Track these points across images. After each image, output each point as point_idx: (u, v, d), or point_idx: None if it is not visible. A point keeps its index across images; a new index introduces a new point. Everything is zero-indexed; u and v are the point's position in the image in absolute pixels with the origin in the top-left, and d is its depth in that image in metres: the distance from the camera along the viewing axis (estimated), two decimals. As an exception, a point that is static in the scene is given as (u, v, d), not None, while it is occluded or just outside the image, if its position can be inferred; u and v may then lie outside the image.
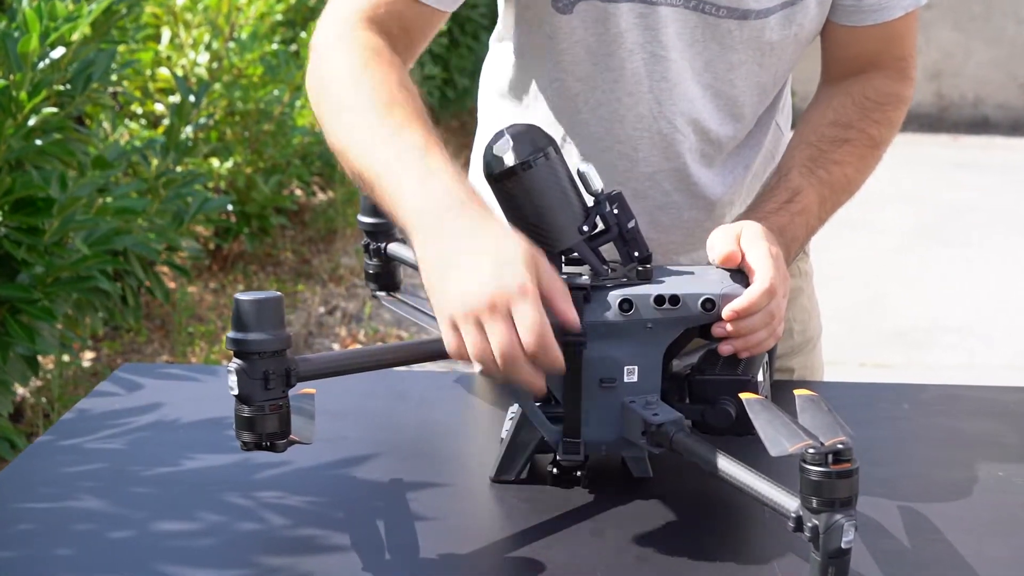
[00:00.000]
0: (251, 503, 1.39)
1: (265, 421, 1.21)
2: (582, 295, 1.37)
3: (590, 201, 1.41)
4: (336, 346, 5.06)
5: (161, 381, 1.79)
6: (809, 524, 1.15)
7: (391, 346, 1.33)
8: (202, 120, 4.51)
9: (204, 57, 4.99)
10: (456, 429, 1.62)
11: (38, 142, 3.01)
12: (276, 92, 5.17)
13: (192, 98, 4.16)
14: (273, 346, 1.21)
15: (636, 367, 1.38)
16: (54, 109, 2.98)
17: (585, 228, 1.39)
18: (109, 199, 3.43)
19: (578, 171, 1.40)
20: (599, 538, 1.32)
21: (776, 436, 1.20)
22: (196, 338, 4.65)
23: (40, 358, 3.82)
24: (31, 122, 2.97)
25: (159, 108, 4.89)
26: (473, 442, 1.55)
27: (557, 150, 1.39)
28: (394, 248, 1.70)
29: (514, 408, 1.44)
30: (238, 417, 1.22)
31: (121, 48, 4.26)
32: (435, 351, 1.34)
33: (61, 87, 3.12)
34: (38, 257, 2.98)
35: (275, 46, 5.36)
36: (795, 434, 1.19)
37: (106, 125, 4.19)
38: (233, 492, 1.42)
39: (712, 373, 1.41)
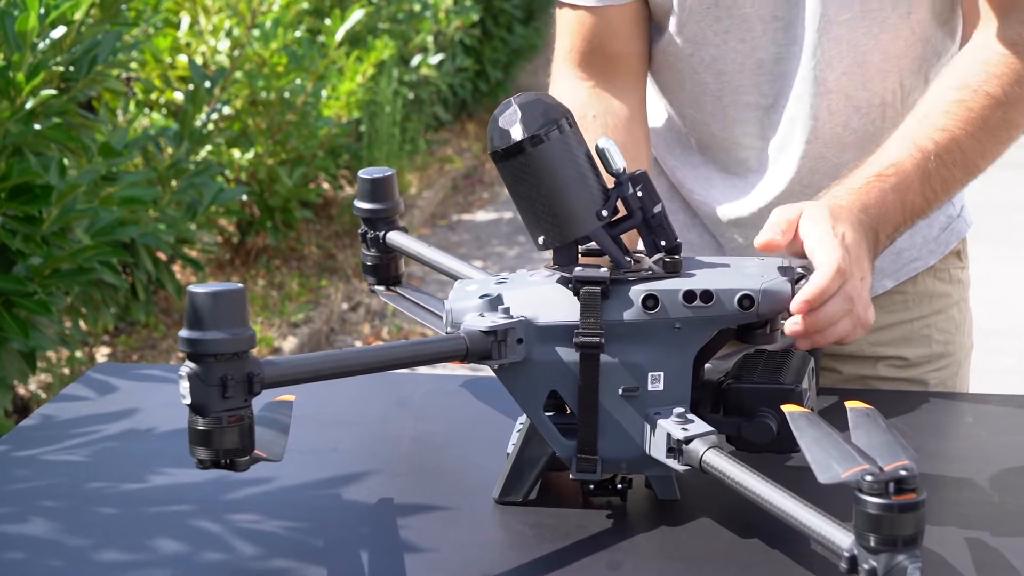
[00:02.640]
0: (220, 528, 1.21)
1: (223, 435, 1.03)
2: (599, 290, 1.18)
3: (610, 183, 1.23)
4: (359, 343, 4.89)
5: (138, 383, 1.62)
6: (866, 566, 0.96)
7: (378, 348, 1.14)
8: (218, 108, 4.34)
9: (225, 44, 4.82)
10: (459, 441, 1.43)
11: (37, 126, 2.85)
12: (299, 81, 5.00)
13: (208, 84, 4.00)
14: (232, 347, 1.03)
15: (662, 373, 1.20)
16: (53, 91, 2.82)
17: (604, 213, 1.21)
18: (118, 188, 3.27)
19: (597, 147, 1.22)
20: (617, 572, 1.13)
21: (826, 459, 1.01)
22: (213, 334, 4.48)
23: (50, 353, 3.67)
24: (29, 105, 2.81)
25: (179, 97, 4.73)
26: (478, 456, 1.37)
27: (572, 122, 1.21)
28: (394, 237, 1.52)
29: (523, 419, 1.25)
30: (192, 430, 1.04)
31: (134, 31, 4.10)
32: (430, 353, 1.16)
33: (62, 69, 2.96)
34: (35, 247, 2.82)
35: (299, 34, 5.20)
36: (848, 456, 1.00)
37: (119, 112, 4.04)
38: (201, 515, 1.24)
39: (750, 381, 1.23)
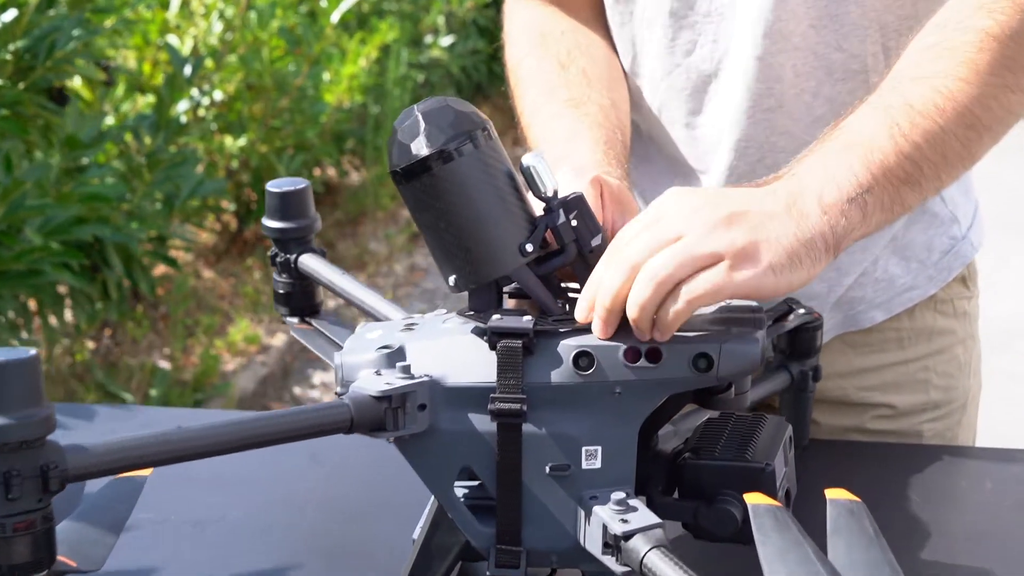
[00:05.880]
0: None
1: (8, 547, 0.80)
2: (521, 345, 0.95)
3: (538, 208, 0.99)
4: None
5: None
6: None
7: (233, 422, 0.91)
8: (207, 92, 4.11)
9: (218, 27, 4.59)
10: (377, 509, 1.20)
11: (-16, 118, 2.64)
12: (292, 67, 4.77)
13: (188, 70, 3.76)
14: (19, 434, 0.80)
15: (599, 448, 0.96)
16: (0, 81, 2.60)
17: (529, 247, 0.98)
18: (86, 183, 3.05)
19: (522, 166, 0.98)
20: None
21: (790, 584, 0.78)
22: (199, 331, 4.28)
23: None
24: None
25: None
26: (396, 530, 1.14)
27: (490, 134, 0.97)
28: (306, 261, 1.29)
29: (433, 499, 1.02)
30: (-29, 537, 0.81)
31: (113, 16, 3.87)
32: (302, 427, 0.93)
33: (12, 57, 2.74)
34: (-22, 249, 2.61)
35: (296, 18, 4.97)
36: (819, 581, 0.77)
37: (105, 101, 3.82)
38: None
39: (711, 455, 0.99)
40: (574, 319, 0.98)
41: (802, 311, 1.23)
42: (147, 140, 3.62)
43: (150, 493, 1.02)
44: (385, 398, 0.94)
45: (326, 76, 5.18)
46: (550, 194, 0.98)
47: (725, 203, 0.95)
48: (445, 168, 0.95)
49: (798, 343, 1.23)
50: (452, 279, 0.99)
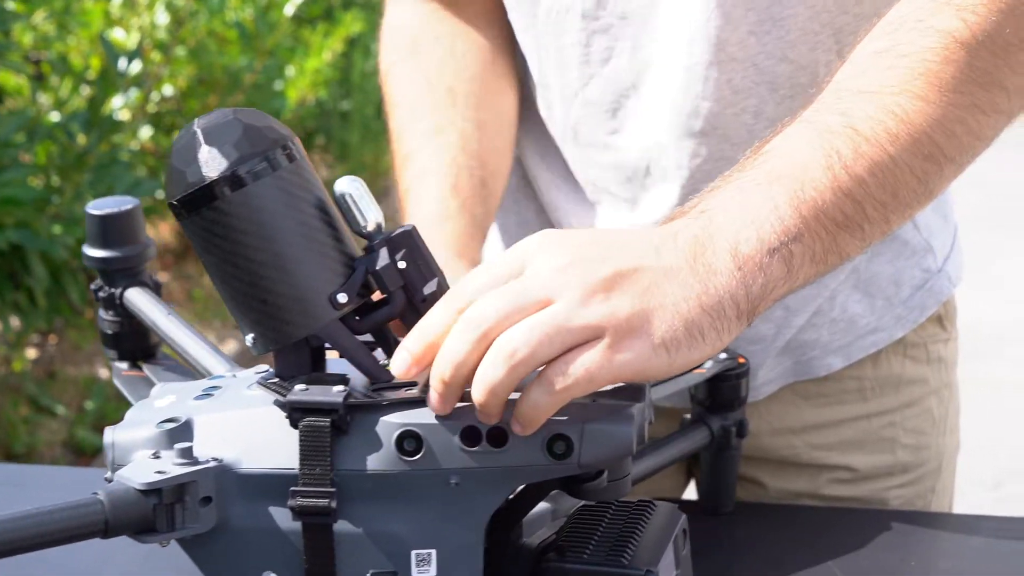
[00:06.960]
0: None
1: None
2: (329, 424, 0.75)
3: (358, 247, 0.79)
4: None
5: None
6: None
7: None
8: (145, 85, 3.91)
9: (164, 18, 4.38)
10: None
11: None
12: (244, 62, 4.56)
13: (124, 63, 3.55)
14: None
15: (433, 552, 0.76)
16: None
17: (342, 297, 0.77)
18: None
19: (335, 193, 0.78)
20: None
21: None
22: (143, 339, 4.06)
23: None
24: None
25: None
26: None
27: (293, 154, 0.77)
28: (132, 296, 1.08)
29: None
30: None
31: (53, 6, 3.67)
32: (42, 532, 0.72)
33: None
34: None
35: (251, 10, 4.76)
36: None
37: (41, 94, 3.61)
38: None
39: (579, 556, 0.79)
40: (397, 387, 0.77)
41: (723, 356, 1.03)
42: (81, 138, 3.42)
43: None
44: (154, 491, 0.73)
45: (290, 71, 4.98)
46: (371, 228, 0.78)
47: (609, 256, 0.74)
48: (233, 197, 0.75)
49: (719, 394, 1.04)
50: (250, 338, 0.78)
